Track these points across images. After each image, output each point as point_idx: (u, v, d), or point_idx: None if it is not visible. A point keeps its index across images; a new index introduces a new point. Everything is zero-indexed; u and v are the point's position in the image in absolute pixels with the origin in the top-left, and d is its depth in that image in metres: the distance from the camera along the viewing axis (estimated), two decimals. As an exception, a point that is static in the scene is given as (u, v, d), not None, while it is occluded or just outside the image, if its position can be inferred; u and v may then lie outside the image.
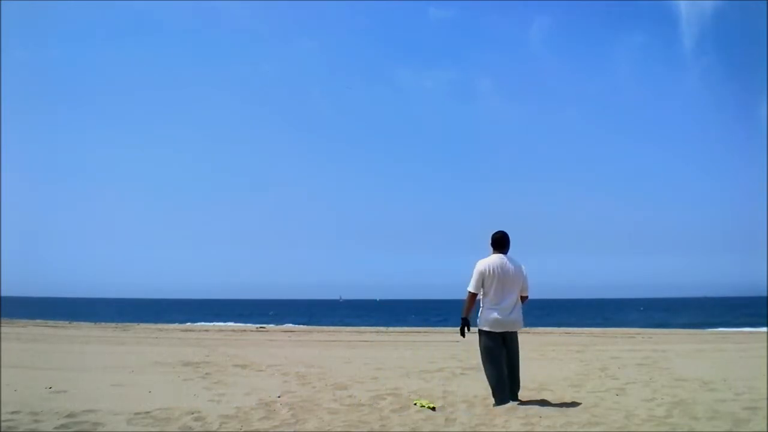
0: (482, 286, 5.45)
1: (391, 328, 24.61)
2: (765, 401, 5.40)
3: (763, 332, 19.06)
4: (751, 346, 12.39)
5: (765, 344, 12.04)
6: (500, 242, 5.61)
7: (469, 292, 5.46)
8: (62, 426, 4.70)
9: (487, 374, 5.54)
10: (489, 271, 5.44)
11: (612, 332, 20.25)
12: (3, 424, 4.69)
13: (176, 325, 25.88)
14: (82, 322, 25.95)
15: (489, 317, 5.44)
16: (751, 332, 22.91)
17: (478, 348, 5.60)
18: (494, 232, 5.65)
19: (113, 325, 24.19)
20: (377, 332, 20.37)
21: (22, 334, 15.36)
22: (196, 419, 4.96)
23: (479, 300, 5.55)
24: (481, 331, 5.50)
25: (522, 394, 6.01)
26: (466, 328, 5.48)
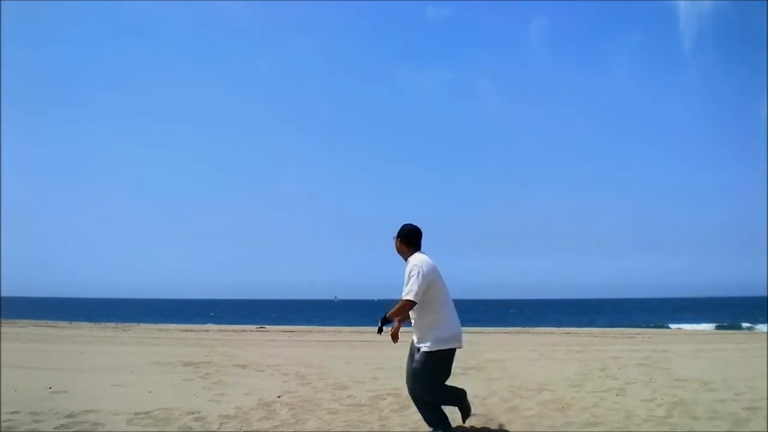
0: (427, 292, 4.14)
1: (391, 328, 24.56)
2: (765, 401, 5.41)
3: (763, 332, 19.07)
4: (751, 346, 12.38)
5: (765, 344, 12.04)
6: (420, 236, 4.38)
7: (409, 300, 4.07)
8: (62, 426, 4.70)
9: (441, 401, 4.37)
10: (435, 272, 4.22)
11: (612, 332, 20.23)
12: (3, 424, 4.69)
13: (176, 325, 25.86)
14: (82, 322, 25.92)
15: (452, 332, 4.22)
16: (750, 332, 22.92)
17: (425, 374, 4.24)
18: (407, 224, 4.39)
19: (113, 325, 24.17)
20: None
21: (22, 334, 15.33)
22: (196, 419, 4.96)
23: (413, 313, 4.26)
24: (440, 353, 4.18)
25: (522, 394, 6.02)
26: (384, 327, 4.24)
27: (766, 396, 5.65)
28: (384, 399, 5.85)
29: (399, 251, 4.39)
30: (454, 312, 4.30)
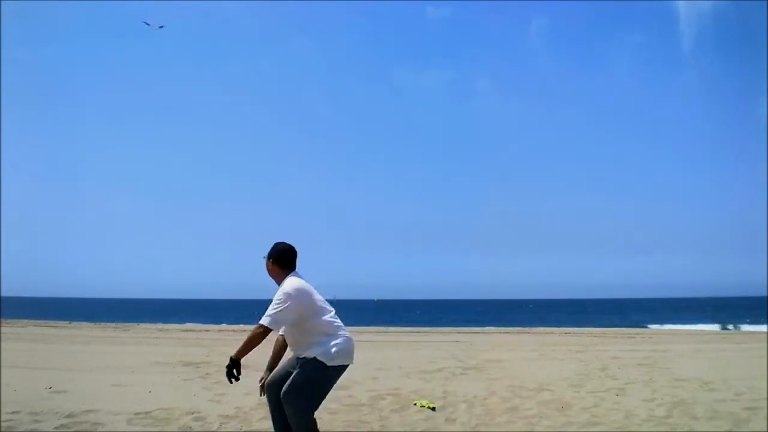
0: (308, 311, 3.61)
1: (391, 328, 24.62)
2: (765, 401, 5.41)
3: (763, 332, 19.07)
4: (751, 346, 12.40)
5: (765, 344, 12.04)
6: (294, 256, 3.84)
7: (262, 326, 3.45)
8: (62, 426, 4.70)
9: (308, 416, 3.62)
10: (308, 295, 3.67)
11: (612, 332, 20.26)
12: (3, 424, 4.69)
13: (176, 325, 25.87)
14: (82, 322, 25.94)
15: (347, 346, 3.68)
16: (751, 332, 22.93)
17: (306, 383, 3.58)
18: (280, 243, 3.83)
19: (113, 325, 24.18)
20: (377, 332, 20.36)
21: (22, 334, 15.34)
22: (196, 419, 4.96)
23: (310, 329, 3.62)
24: (333, 368, 3.62)
25: (522, 394, 6.02)
26: (235, 371, 3.55)
27: (766, 396, 5.65)
28: (384, 399, 5.85)
29: (270, 273, 3.80)
30: (344, 328, 3.75)
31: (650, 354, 10.29)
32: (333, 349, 3.60)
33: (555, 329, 22.58)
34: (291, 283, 3.63)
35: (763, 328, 24.87)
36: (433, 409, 5.33)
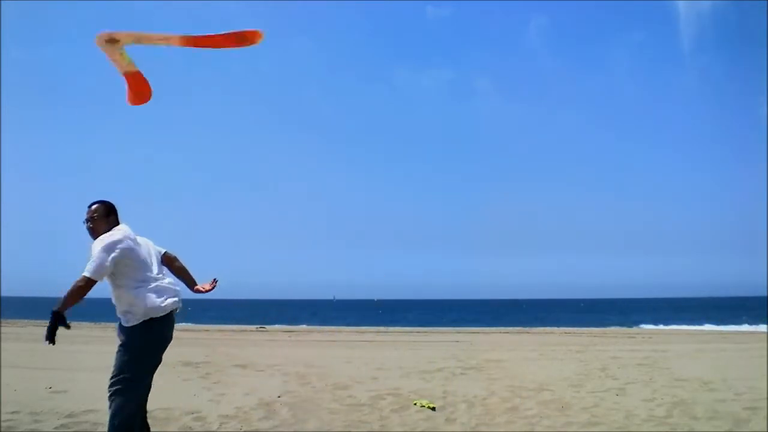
0: (131, 264, 3.39)
1: (391, 328, 24.62)
2: (765, 401, 5.41)
3: (763, 332, 19.09)
4: (751, 346, 12.40)
5: (765, 344, 12.05)
6: (116, 212, 3.65)
7: (86, 278, 3.26)
8: (62, 426, 4.70)
9: (136, 394, 3.54)
10: (135, 239, 3.49)
11: (612, 332, 20.27)
12: (3, 424, 4.69)
13: (176, 325, 25.80)
14: (82, 322, 25.92)
15: (171, 297, 3.61)
16: (751, 332, 22.95)
17: (132, 354, 3.56)
18: (99, 201, 3.64)
19: (113, 325, 24.15)
20: (377, 332, 20.37)
21: (22, 334, 15.34)
22: (196, 419, 4.96)
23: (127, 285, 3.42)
24: (153, 322, 3.56)
25: (522, 394, 6.02)
26: (58, 327, 3.46)
27: (766, 396, 5.65)
28: (384, 399, 5.85)
29: (94, 225, 3.51)
30: (163, 279, 3.58)
31: (650, 354, 10.29)
32: (156, 298, 3.47)
33: (555, 329, 22.59)
34: (121, 229, 3.46)
35: (763, 328, 24.88)
36: (433, 409, 5.33)
